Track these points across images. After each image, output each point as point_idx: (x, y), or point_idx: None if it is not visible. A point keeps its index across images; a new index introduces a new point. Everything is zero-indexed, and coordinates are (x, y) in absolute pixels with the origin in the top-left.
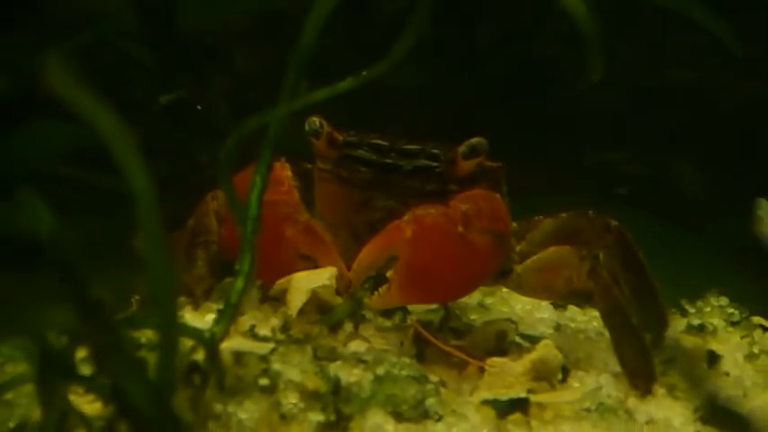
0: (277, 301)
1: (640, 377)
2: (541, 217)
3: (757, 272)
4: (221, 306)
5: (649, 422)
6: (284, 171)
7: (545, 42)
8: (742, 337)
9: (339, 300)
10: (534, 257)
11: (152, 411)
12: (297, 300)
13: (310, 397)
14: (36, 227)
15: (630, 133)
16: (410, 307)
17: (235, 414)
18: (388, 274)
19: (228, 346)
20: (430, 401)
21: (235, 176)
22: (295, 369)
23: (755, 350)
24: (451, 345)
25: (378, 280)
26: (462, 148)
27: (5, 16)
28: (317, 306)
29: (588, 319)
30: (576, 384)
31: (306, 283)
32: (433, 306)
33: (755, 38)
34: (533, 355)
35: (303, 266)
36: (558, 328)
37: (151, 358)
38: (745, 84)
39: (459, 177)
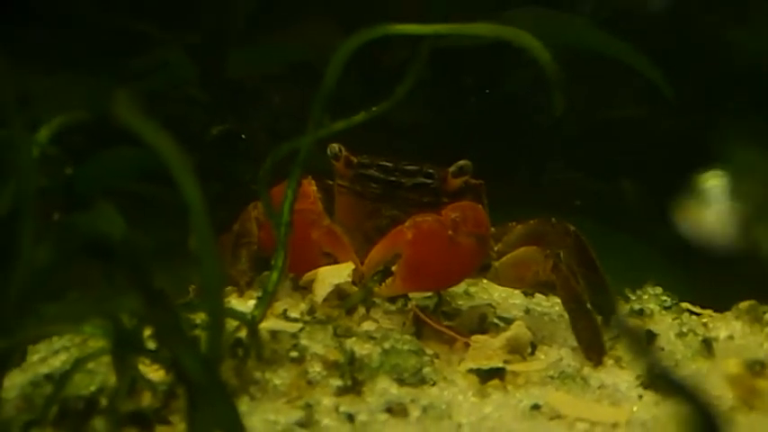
0: (305, 289)
1: (593, 351)
2: (514, 223)
3: (684, 267)
4: (260, 294)
5: (601, 387)
6: (310, 186)
7: (518, 84)
8: (673, 319)
9: (354, 289)
10: (508, 255)
11: (203, 378)
12: (322, 289)
13: (331, 366)
14: (111, 231)
15: (585, 157)
16: (410, 294)
17: (271, 380)
18: (394, 268)
19: (266, 325)
20: (426, 370)
21: (271, 191)
22: (319, 344)
23: (684, 329)
24: (443, 325)
25: (385, 273)
26: (452, 169)
27: (93, 65)
28: (337, 294)
29: (551, 305)
30: (542, 356)
31: (329, 277)
32: (429, 294)
33: (682, 84)
34: (508, 333)
35: (326, 262)
36: (527, 311)
37: (203, 336)
38: (673, 119)
39: (450, 192)
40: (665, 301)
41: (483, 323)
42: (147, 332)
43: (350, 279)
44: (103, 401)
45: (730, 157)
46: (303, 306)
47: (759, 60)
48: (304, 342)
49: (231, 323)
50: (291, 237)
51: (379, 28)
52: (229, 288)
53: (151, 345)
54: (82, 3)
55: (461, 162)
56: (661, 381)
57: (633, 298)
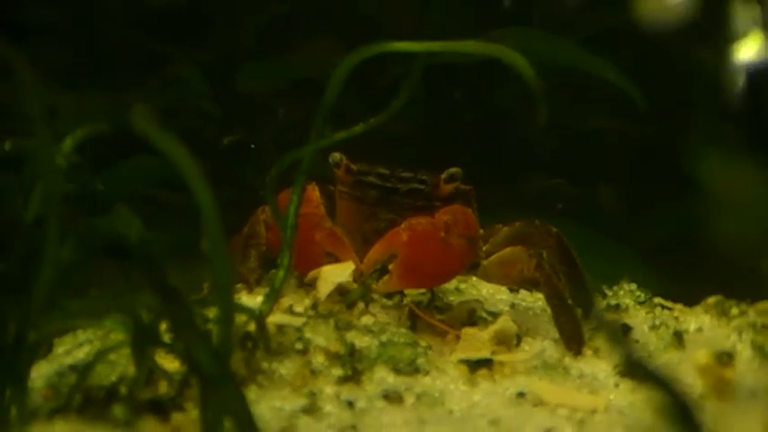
0: (309, 286)
1: (574, 342)
2: (501, 225)
3: (656, 265)
4: (268, 290)
5: (580, 376)
6: (314, 192)
7: (504, 98)
8: (647, 313)
9: (354, 286)
10: (496, 255)
11: (215, 369)
12: (324, 287)
13: (333, 357)
14: (129, 233)
15: (566, 164)
16: (406, 291)
17: (277, 370)
18: (390, 267)
19: (273, 320)
20: (420, 360)
21: (278, 196)
22: (321, 337)
23: (657, 323)
24: (436, 319)
25: (382, 271)
26: (443, 176)
27: (114, 81)
28: (338, 290)
29: (535, 300)
30: (527, 348)
31: (331, 275)
32: (423, 290)
33: (654, 97)
34: (495, 326)
35: (328, 261)
36: (513, 306)
37: (215, 329)
38: (645, 129)
39: (441, 197)
40: (640, 296)
41: (472, 317)
42: (164, 326)
43: (350, 277)
44: (123, 390)
45: (698, 163)
46: (307, 302)
47: (723, 75)
48: (308, 335)
49: (241, 317)
50: (296, 238)
51: (376, 46)
52: (239, 285)
53: (167, 338)
54: (104, 24)
55: (452, 169)
56: (636, 370)
57: (610, 294)
